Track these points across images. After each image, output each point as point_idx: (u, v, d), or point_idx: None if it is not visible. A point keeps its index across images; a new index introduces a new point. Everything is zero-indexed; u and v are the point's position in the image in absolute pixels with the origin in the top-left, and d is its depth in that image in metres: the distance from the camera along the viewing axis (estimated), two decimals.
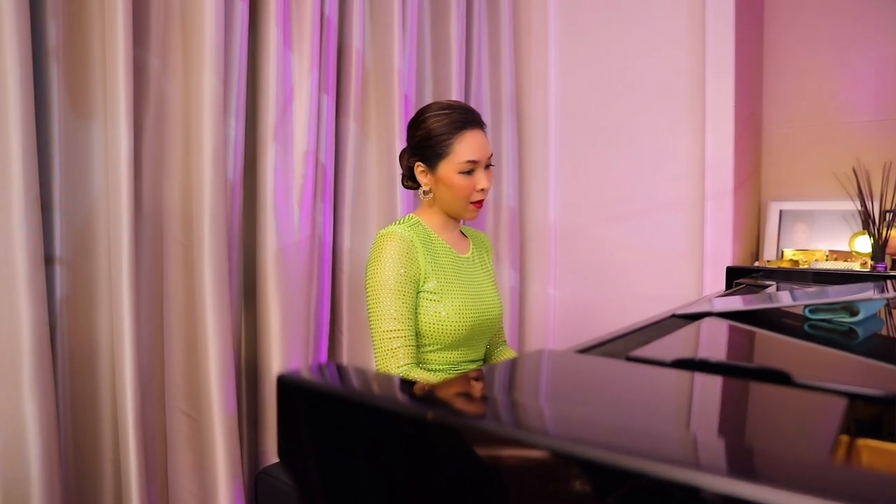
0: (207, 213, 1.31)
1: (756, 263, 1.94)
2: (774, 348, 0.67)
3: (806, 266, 1.75)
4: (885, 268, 1.59)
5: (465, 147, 1.23)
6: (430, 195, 1.29)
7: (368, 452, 0.36)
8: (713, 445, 0.34)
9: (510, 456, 0.32)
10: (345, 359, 1.75)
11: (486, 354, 1.42)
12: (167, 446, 1.38)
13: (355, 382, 0.40)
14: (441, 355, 1.25)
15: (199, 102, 1.31)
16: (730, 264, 1.78)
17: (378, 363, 1.18)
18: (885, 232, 1.63)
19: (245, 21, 1.44)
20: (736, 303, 0.93)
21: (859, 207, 1.71)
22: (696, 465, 0.28)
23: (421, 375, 1.15)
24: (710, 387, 0.47)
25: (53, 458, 1.08)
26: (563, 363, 0.54)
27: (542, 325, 2.31)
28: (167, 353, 1.37)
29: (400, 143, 1.76)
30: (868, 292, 0.80)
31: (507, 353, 1.46)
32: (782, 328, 0.79)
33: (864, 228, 1.72)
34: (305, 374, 0.41)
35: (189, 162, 1.34)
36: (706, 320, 0.78)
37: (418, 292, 1.21)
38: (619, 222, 2.10)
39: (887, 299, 0.88)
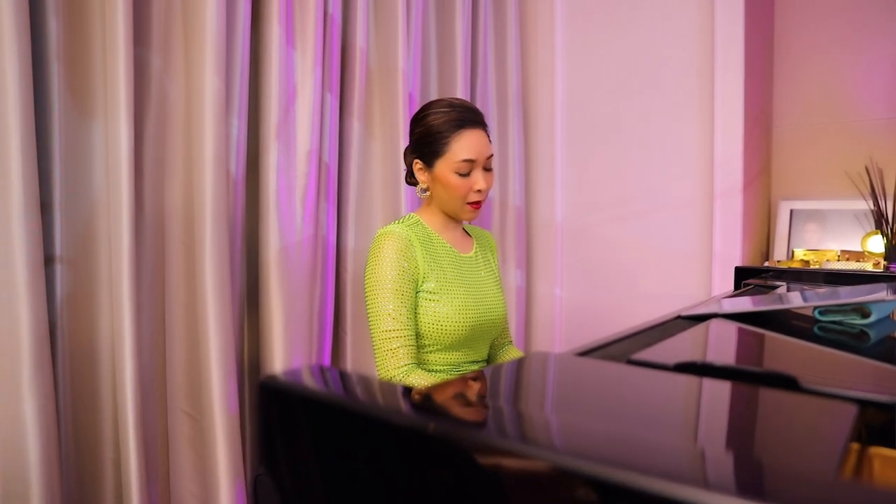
0: (209, 213, 1.31)
1: (766, 264, 1.91)
2: (782, 351, 0.65)
3: (817, 266, 1.72)
4: None
5: (462, 146, 1.21)
6: (428, 193, 1.28)
7: (356, 462, 0.35)
8: (719, 460, 0.32)
9: (503, 468, 0.30)
10: (349, 359, 1.74)
11: (490, 355, 1.40)
12: (169, 447, 1.38)
13: (344, 388, 0.39)
14: (442, 356, 1.23)
15: (201, 101, 1.30)
16: (739, 264, 1.75)
17: (378, 364, 1.16)
18: None
19: (247, 19, 1.43)
20: (744, 304, 0.90)
21: (872, 207, 1.67)
22: (704, 484, 0.27)
23: (421, 376, 1.14)
24: (713, 393, 0.45)
25: (53, 458, 1.07)
26: (562, 368, 0.52)
27: (548, 326, 2.29)
28: (169, 352, 1.36)
29: (404, 143, 1.74)
30: (881, 293, 0.78)
31: (512, 354, 1.44)
32: (791, 330, 0.76)
33: (876, 228, 1.69)
34: (290, 378, 0.39)
35: (191, 161, 1.33)
36: (712, 322, 0.76)
37: (417, 292, 1.20)
38: (626, 221, 2.08)
39: None
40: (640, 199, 2.04)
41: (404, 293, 1.16)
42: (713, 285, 1.87)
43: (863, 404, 0.43)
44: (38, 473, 1.05)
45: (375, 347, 1.16)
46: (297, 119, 1.55)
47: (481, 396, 0.43)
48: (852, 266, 1.63)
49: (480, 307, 1.25)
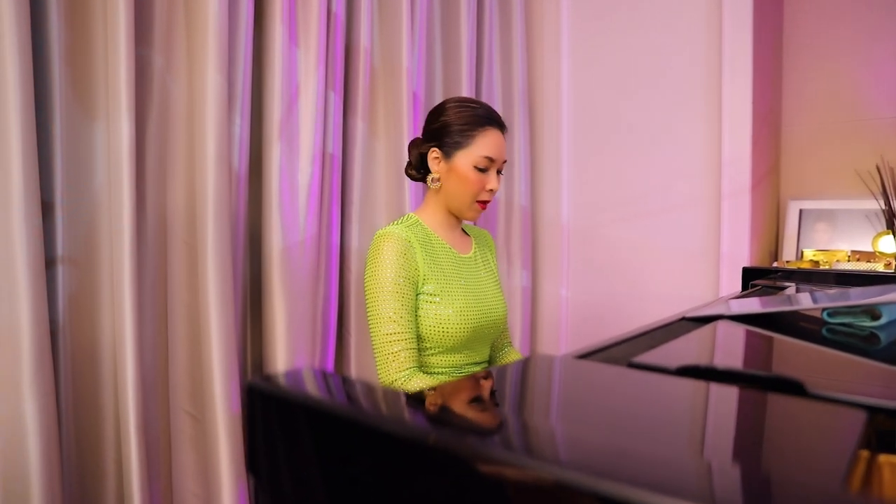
0: (211, 212, 1.30)
1: (775, 264, 1.88)
2: (789, 354, 0.64)
3: (827, 267, 1.69)
4: None
5: (487, 142, 1.22)
6: (438, 184, 1.26)
7: (339, 469, 0.34)
8: (721, 474, 0.31)
9: (494, 479, 0.29)
10: (352, 359, 1.73)
11: (491, 356, 1.39)
12: (171, 447, 1.37)
13: (336, 393, 0.38)
14: (443, 358, 1.22)
15: (204, 100, 1.30)
16: (747, 265, 1.72)
17: (379, 368, 1.15)
18: None
19: (250, 17, 1.43)
20: (751, 305, 0.89)
21: (883, 206, 1.65)
22: (705, 500, 0.25)
23: (423, 381, 1.13)
24: (715, 398, 0.44)
25: (54, 459, 1.07)
26: (563, 372, 0.51)
27: (554, 327, 2.27)
28: (171, 352, 1.36)
29: (408, 142, 1.73)
30: (891, 295, 0.76)
31: (512, 355, 1.42)
32: (798, 332, 0.74)
33: (888, 228, 1.66)
34: (278, 382, 0.38)
35: (193, 160, 1.33)
36: (717, 324, 0.75)
37: (417, 294, 1.19)
38: (633, 221, 2.06)
39: None
40: (647, 199, 2.02)
41: (405, 295, 1.15)
42: (721, 286, 1.84)
43: (872, 411, 0.41)
44: (39, 473, 1.04)
45: (376, 351, 1.15)
46: (301, 118, 1.54)
47: (474, 402, 0.42)
48: (863, 267, 1.61)
49: (481, 308, 1.24)
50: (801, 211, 1.97)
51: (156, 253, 1.32)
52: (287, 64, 1.50)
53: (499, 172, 1.27)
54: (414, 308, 1.17)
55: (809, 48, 1.99)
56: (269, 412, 0.37)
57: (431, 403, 0.39)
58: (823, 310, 0.78)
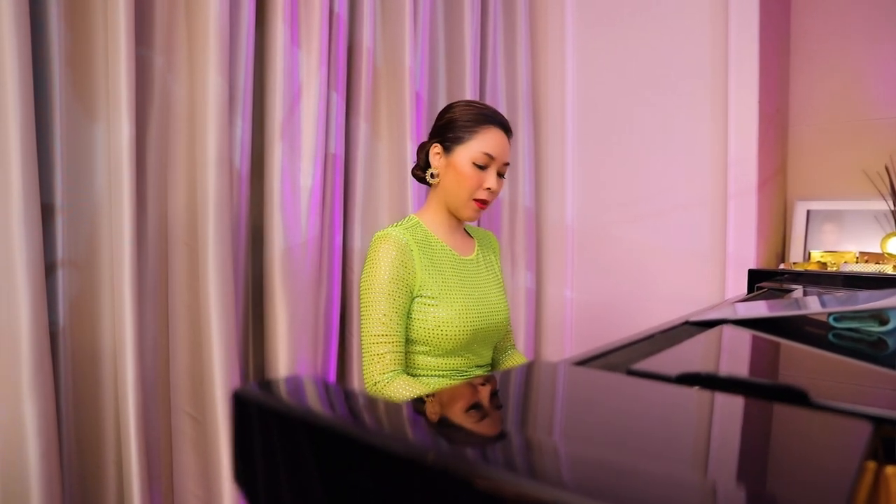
0: (212, 213, 1.30)
1: (781, 265, 1.86)
2: (793, 361, 0.62)
3: (835, 269, 1.67)
4: None
5: (487, 140, 1.22)
6: (436, 180, 1.26)
7: (329, 488, 0.33)
8: (720, 492, 0.30)
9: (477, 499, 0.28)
10: (355, 361, 1.72)
11: (493, 359, 1.37)
12: (172, 448, 1.37)
13: (323, 404, 0.37)
14: (444, 361, 1.21)
15: (205, 101, 1.29)
16: (753, 266, 1.70)
17: (364, 368, 1.15)
18: None
19: (251, 18, 1.42)
20: (756, 309, 0.87)
21: (892, 207, 1.62)
22: None
23: (405, 382, 1.12)
24: (716, 409, 0.42)
25: (53, 460, 1.07)
26: (558, 380, 0.50)
27: (558, 329, 2.26)
28: (172, 353, 1.35)
29: (412, 142, 1.72)
30: None
31: (515, 358, 1.41)
32: (804, 337, 0.73)
33: None
34: (265, 391, 0.37)
35: (194, 161, 1.32)
36: (720, 328, 0.73)
37: (415, 297, 1.18)
38: (637, 222, 2.04)
39: None
40: (652, 200, 2.00)
41: (397, 298, 1.15)
42: (727, 287, 1.82)
43: (878, 422, 0.40)
44: (38, 476, 1.04)
45: (364, 351, 1.15)
46: (303, 118, 1.53)
47: (459, 414, 0.41)
48: (871, 269, 1.58)
49: (482, 311, 1.23)
50: (808, 212, 1.94)
51: (157, 254, 1.32)
52: (289, 64, 1.49)
53: (501, 176, 1.26)
54: (405, 312, 1.17)
55: (817, 46, 1.96)
56: (253, 421, 0.36)
57: (418, 414, 0.38)
58: (829, 314, 0.76)
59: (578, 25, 2.17)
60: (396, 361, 1.13)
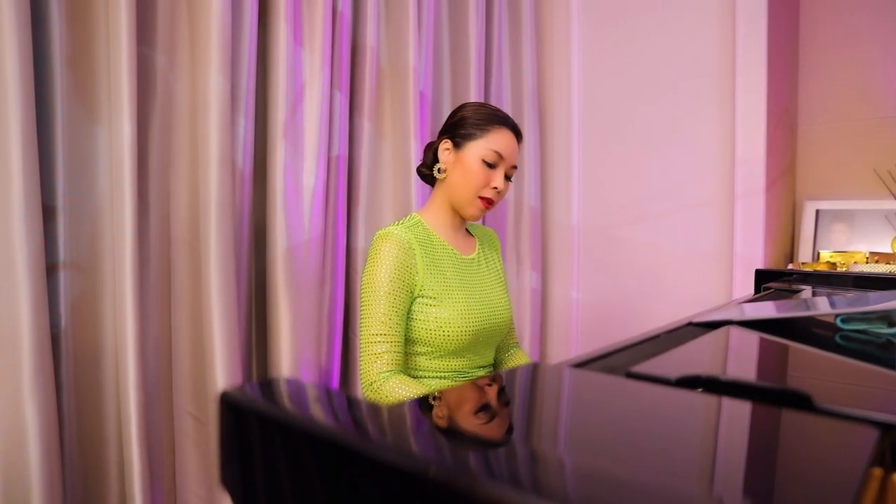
0: (214, 213, 1.29)
1: (790, 266, 1.84)
2: (798, 363, 0.61)
3: (844, 269, 1.64)
4: None
5: (498, 139, 1.22)
6: (444, 175, 1.25)
7: (312, 493, 0.32)
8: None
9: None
10: (358, 361, 1.71)
11: (496, 359, 1.36)
12: (174, 449, 1.37)
13: (313, 409, 0.36)
14: (446, 362, 1.20)
15: (207, 101, 1.29)
16: (761, 267, 1.68)
17: (361, 367, 1.15)
18: None
19: (254, 17, 1.42)
20: (761, 310, 0.85)
21: None
22: None
23: (401, 381, 1.10)
24: (715, 414, 0.41)
25: (54, 461, 1.07)
26: (554, 383, 0.49)
27: (564, 329, 2.24)
28: (174, 354, 1.35)
29: (416, 142, 1.71)
30: None
31: (519, 357, 1.40)
32: (810, 339, 0.71)
33: None
34: (251, 393, 0.36)
35: (196, 161, 1.32)
36: (724, 329, 0.72)
37: (416, 297, 1.17)
38: (644, 222, 2.02)
39: None
40: (659, 200, 1.98)
41: (396, 298, 1.14)
42: (734, 288, 1.80)
43: (885, 427, 0.38)
44: (40, 476, 1.04)
45: (361, 349, 1.14)
46: (305, 118, 1.53)
47: (447, 420, 0.40)
48: (881, 269, 1.56)
49: (484, 311, 1.22)
50: (817, 211, 1.92)
51: (159, 254, 1.32)
52: (292, 64, 1.49)
53: (508, 179, 1.26)
54: (405, 312, 1.16)
55: (826, 43, 1.94)
56: (236, 424, 0.35)
57: (398, 420, 0.37)
58: (836, 315, 0.74)
59: (584, 25, 2.15)
60: (394, 361, 1.12)
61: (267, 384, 0.38)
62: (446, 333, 1.15)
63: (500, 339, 1.29)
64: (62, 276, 1.17)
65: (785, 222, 1.94)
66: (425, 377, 1.20)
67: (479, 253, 1.32)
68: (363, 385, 1.14)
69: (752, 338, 0.69)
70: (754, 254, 1.76)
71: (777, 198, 1.85)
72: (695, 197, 1.90)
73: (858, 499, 0.30)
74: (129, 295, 1.17)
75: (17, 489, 1.03)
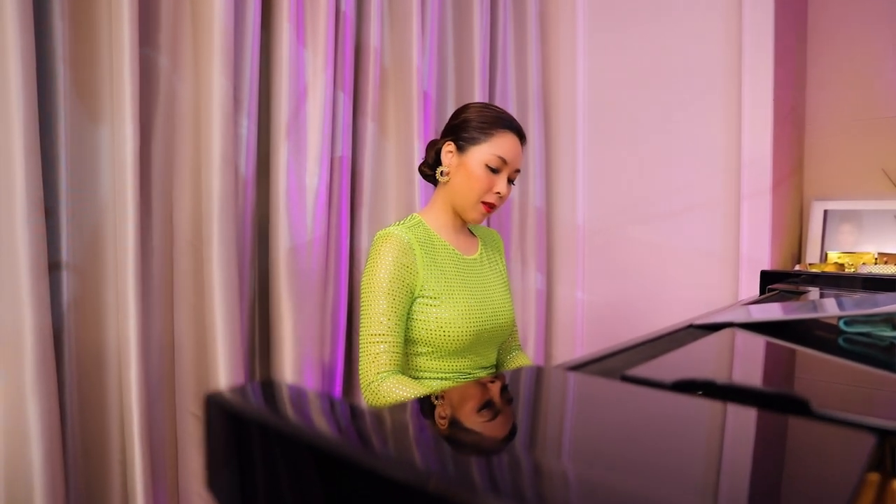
0: (217, 214, 1.29)
1: (797, 267, 1.82)
2: (799, 367, 0.60)
3: (852, 270, 1.63)
4: None
5: (502, 143, 1.21)
6: (447, 178, 1.25)
7: (294, 499, 0.31)
8: None
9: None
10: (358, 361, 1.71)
11: (498, 360, 1.35)
12: (177, 449, 1.37)
13: (302, 413, 0.35)
14: (448, 363, 1.19)
15: (210, 102, 1.29)
16: (767, 268, 1.67)
17: (360, 367, 1.14)
18: None
19: (257, 17, 1.42)
20: (764, 312, 0.84)
21: None
22: None
23: (398, 381, 1.10)
24: (710, 419, 0.40)
25: (56, 461, 1.07)
26: (547, 386, 0.48)
27: (569, 330, 2.23)
28: (177, 354, 1.35)
29: (420, 142, 1.71)
30: None
31: (520, 359, 1.39)
32: (812, 342, 0.70)
33: None
34: (238, 396, 0.36)
35: (199, 162, 1.32)
36: (726, 332, 0.71)
37: (416, 298, 1.16)
38: (650, 223, 2.01)
39: None
40: (665, 201, 1.97)
41: (396, 298, 1.13)
42: (740, 289, 1.79)
43: (884, 434, 0.37)
44: (42, 476, 1.04)
45: (361, 349, 1.14)
46: (308, 118, 1.53)
47: (434, 424, 0.40)
48: (890, 270, 1.54)
49: (486, 311, 1.21)
50: (825, 212, 1.90)
51: (161, 255, 1.32)
52: (295, 64, 1.49)
53: (511, 182, 1.26)
54: (405, 312, 1.15)
55: (835, 42, 1.92)
56: (223, 428, 0.35)
57: (380, 422, 0.37)
58: (840, 318, 0.73)
59: (590, 24, 2.14)
60: (392, 361, 1.12)
61: (252, 386, 0.37)
62: (447, 334, 1.15)
63: (502, 339, 1.29)
64: (64, 276, 1.17)
65: (792, 223, 1.93)
66: (426, 378, 1.19)
67: (481, 253, 1.32)
68: (362, 385, 1.13)
69: (753, 340, 0.68)
70: (761, 255, 1.74)
71: (784, 198, 1.83)
72: (701, 197, 1.89)
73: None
74: (132, 295, 1.18)
75: (20, 488, 1.04)
